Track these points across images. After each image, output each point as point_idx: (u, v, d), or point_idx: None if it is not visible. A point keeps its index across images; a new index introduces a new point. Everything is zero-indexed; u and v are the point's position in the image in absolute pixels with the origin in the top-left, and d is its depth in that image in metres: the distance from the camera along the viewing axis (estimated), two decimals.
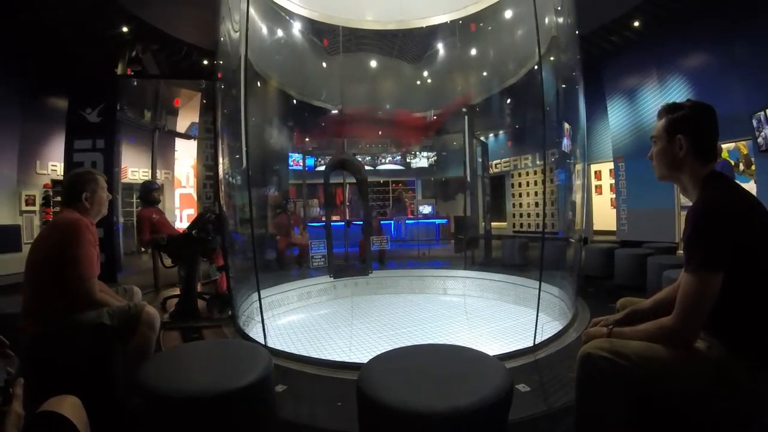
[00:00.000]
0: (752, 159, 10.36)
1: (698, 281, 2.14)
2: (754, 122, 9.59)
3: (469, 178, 13.96)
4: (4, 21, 10.99)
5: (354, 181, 12.29)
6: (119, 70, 11.88)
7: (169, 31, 12.22)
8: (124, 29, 11.65)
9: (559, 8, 8.37)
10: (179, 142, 13.98)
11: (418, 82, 14.27)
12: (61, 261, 3.60)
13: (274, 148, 14.29)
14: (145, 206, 9.46)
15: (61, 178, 12.13)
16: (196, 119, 13.73)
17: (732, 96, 10.26)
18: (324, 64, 12.99)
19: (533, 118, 11.88)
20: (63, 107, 10.96)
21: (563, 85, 8.46)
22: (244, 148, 7.57)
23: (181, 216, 13.97)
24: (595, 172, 17.12)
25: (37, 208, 12.90)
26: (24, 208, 12.47)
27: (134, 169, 13.27)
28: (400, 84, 14.30)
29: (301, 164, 16.23)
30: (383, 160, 19.24)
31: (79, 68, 12.15)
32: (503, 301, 9.34)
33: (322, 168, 16.30)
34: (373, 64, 13.63)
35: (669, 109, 2.53)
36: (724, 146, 10.48)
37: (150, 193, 9.46)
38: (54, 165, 13.23)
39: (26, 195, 12.60)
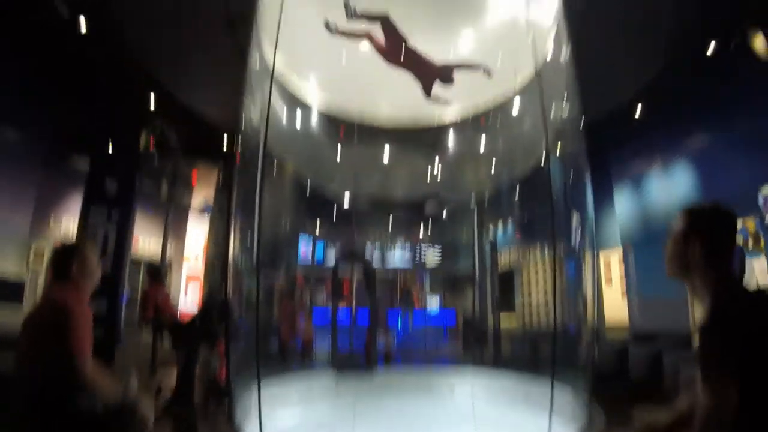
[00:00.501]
0: (761, 235, 10.32)
1: (716, 397, 2.09)
2: (760, 198, 9.67)
3: (477, 272, 13.84)
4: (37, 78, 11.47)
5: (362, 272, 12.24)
6: (142, 140, 12.35)
7: (195, 109, 12.83)
8: (152, 101, 12.24)
9: (564, 101, 8.73)
10: (192, 217, 14.21)
11: (429, 176, 14.62)
12: (50, 352, 3.36)
13: (285, 233, 14.41)
14: (151, 284, 9.39)
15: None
16: (211, 198, 14.04)
17: (736, 174, 10.38)
18: (338, 153, 13.47)
19: (542, 210, 12.01)
20: (85, 167, 11.23)
21: (571, 176, 8.61)
22: (256, 234, 7.68)
23: (186, 289, 13.84)
24: (604, 262, 16.86)
25: (44, 266, 12.81)
26: (32, 259, 12.37)
27: (145, 239, 13.35)
28: (411, 175, 14.66)
29: (310, 253, 16.30)
30: (393, 253, 19.18)
31: (104, 132, 12.50)
32: (513, 403, 8.78)
33: (332, 255, 16.32)
34: (386, 155, 14.08)
35: (689, 211, 2.56)
36: None
37: (158, 273, 9.44)
38: (68, 221, 13.25)
39: (36, 246, 12.55)
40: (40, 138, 11.91)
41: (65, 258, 3.66)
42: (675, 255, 2.51)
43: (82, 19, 9.31)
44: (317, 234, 16.66)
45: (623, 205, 14.58)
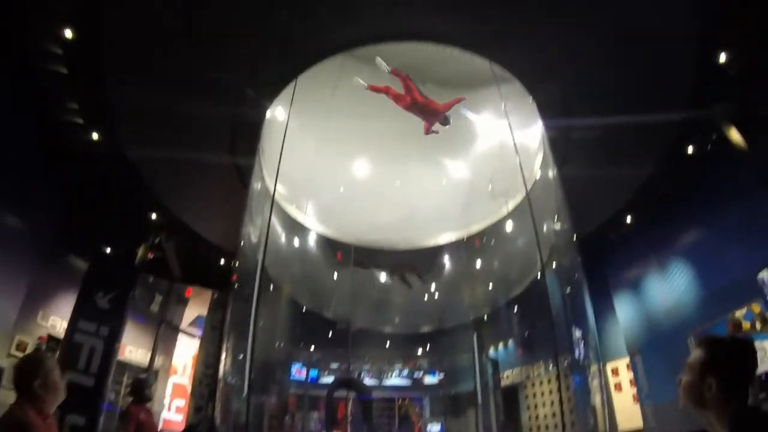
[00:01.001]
0: (767, 315, 9.95)
1: None
2: (759, 281, 9.51)
3: (480, 394, 13.15)
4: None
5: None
6: (139, 254, 12.34)
7: (193, 226, 12.99)
8: (152, 216, 12.46)
9: (556, 218, 8.97)
10: (183, 331, 13.84)
11: (426, 297, 14.50)
12: None
13: (278, 355, 13.92)
14: (134, 402, 8.80)
15: (60, 335, 11.73)
16: (204, 312, 13.79)
17: (732, 263, 10.26)
18: (335, 277, 13.50)
19: (542, 325, 11.75)
20: (81, 268, 11.12)
21: (568, 289, 8.58)
22: (248, 357, 7.46)
23: (170, 406, 12.99)
24: (612, 369, 15.94)
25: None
26: (13, 351, 11.73)
27: (132, 348, 12.84)
28: (407, 298, 14.52)
29: (304, 374, 15.55)
30: (390, 375, 18.26)
31: (105, 239, 12.51)
32: None
33: (326, 380, 15.55)
34: (382, 278, 14.10)
35: (707, 344, 2.54)
36: (737, 313, 10.18)
37: (143, 390, 8.86)
38: (56, 320, 12.82)
39: (20, 340, 11.94)
40: (42, 230, 11.95)
41: (27, 373, 3.54)
42: (690, 389, 2.40)
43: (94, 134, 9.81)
44: (312, 357, 16.02)
45: (625, 311, 14.26)
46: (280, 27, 8.76)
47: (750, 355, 2.34)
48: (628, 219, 12.49)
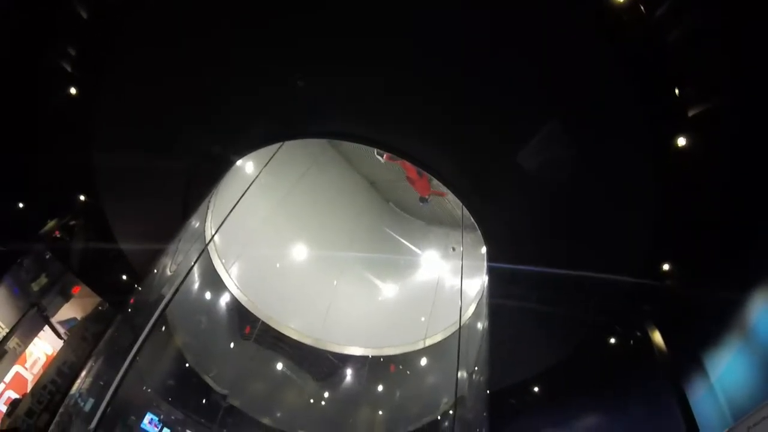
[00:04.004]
0: None
1: None
2: None
3: None
4: None
5: None
6: (48, 226, 10.79)
7: (114, 228, 11.74)
8: (80, 198, 11.19)
9: (474, 367, 8.91)
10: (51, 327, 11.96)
11: (312, 401, 13.49)
12: None
13: (138, 397, 12.18)
14: None
15: None
16: (80, 316, 12.09)
17: None
18: (231, 346, 12.49)
19: None
20: None
21: None
22: (111, 391, 6.56)
23: (2, 394, 10.72)
24: None
25: None
26: None
27: None
28: (297, 396, 13.49)
29: (157, 430, 13.44)
30: None
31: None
32: None
33: None
34: (279, 366, 13.17)
35: None
36: None
37: None
38: None
39: None
40: None
41: None
42: None
43: None
44: (172, 415, 13.99)
45: None
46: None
47: None
48: (535, 389, 12.56)
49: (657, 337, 9.25)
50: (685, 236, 8.28)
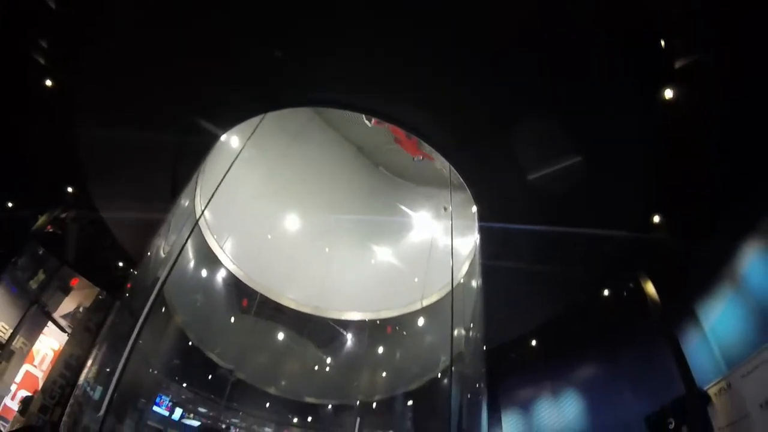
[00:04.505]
0: None
1: None
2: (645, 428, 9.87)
3: None
4: None
5: None
6: (39, 221, 10.76)
7: (106, 217, 11.70)
8: (69, 189, 11.10)
9: (471, 325, 9.09)
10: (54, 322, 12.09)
11: (318, 369, 13.83)
12: None
13: (147, 381, 12.42)
14: None
15: None
16: (84, 309, 12.24)
17: (625, 403, 10.69)
18: (232, 321, 12.67)
19: (431, 424, 11.46)
20: None
21: (468, 395, 8.54)
22: (117, 375, 6.66)
23: (15, 394, 10.95)
24: None
25: None
26: None
27: None
28: (300, 364, 13.81)
29: (168, 410, 13.79)
30: None
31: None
32: None
33: (190, 422, 13.89)
34: (280, 336, 13.42)
35: None
36: None
37: None
38: None
39: None
40: None
41: None
42: None
43: None
44: (182, 394, 14.33)
45: (512, 427, 14.28)
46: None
47: None
48: (533, 343, 12.91)
49: (650, 289, 9.45)
50: (675, 188, 8.38)
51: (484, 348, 8.80)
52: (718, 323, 8.56)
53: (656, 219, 8.82)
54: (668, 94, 6.98)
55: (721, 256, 8.34)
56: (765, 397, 6.69)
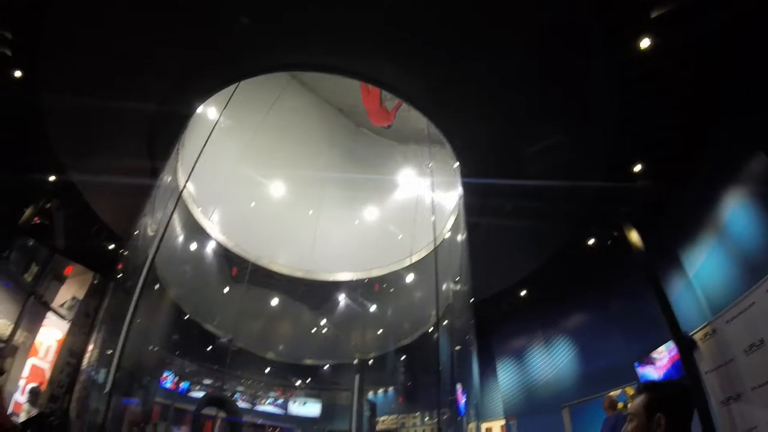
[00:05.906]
0: None
1: None
2: (638, 370, 10.40)
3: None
4: None
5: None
6: (25, 214, 10.75)
7: (90, 201, 11.72)
8: (50, 179, 11.04)
9: (458, 279, 9.31)
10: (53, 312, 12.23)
11: (314, 330, 14.21)
12: None
13: (150, 359, 12.75)
14: None
15: None
16: (81, 295, 12.37)
17: (614, 348, 11.25)
18: (226, 291, 12.87)
19: (425, 377, 11.92)
20: None
21: (458, 348, 8.85)
22: (117, 353, 6.81)
23: (24, 389, 11.12)
24: (486, 429, 16.24)
25: None
26: None
27: None
28: (296, 327, 14.17)
29: (174, 384, 14.25)
30: (264, 402, 17.43)
31: None
32: None
33: (196, 394, 14.38)
34: (275, 302, 13.69)
35: (649, 388, 2.73)
36: (612, 393, 10.92)
37: None
38: None
39: None
40: None
41: None
42: (638, 428, 2.55)
43: None
44: (186, 368, 14.79)
45: (506, 376, 14.88)
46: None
47: (688, 395, 2.58)
48: (522, 293, 13.29)
49: (634, 237, 9.67)
50: (654, 136, 8.47)
51: (472, 300, 9.04)
52: (702, 270, 8.76)
53: (638, 167, 8.91)
54: (644, 43, 6.96)
55: (704, 204, 8.45)
56: (749, 341, 6.83)
